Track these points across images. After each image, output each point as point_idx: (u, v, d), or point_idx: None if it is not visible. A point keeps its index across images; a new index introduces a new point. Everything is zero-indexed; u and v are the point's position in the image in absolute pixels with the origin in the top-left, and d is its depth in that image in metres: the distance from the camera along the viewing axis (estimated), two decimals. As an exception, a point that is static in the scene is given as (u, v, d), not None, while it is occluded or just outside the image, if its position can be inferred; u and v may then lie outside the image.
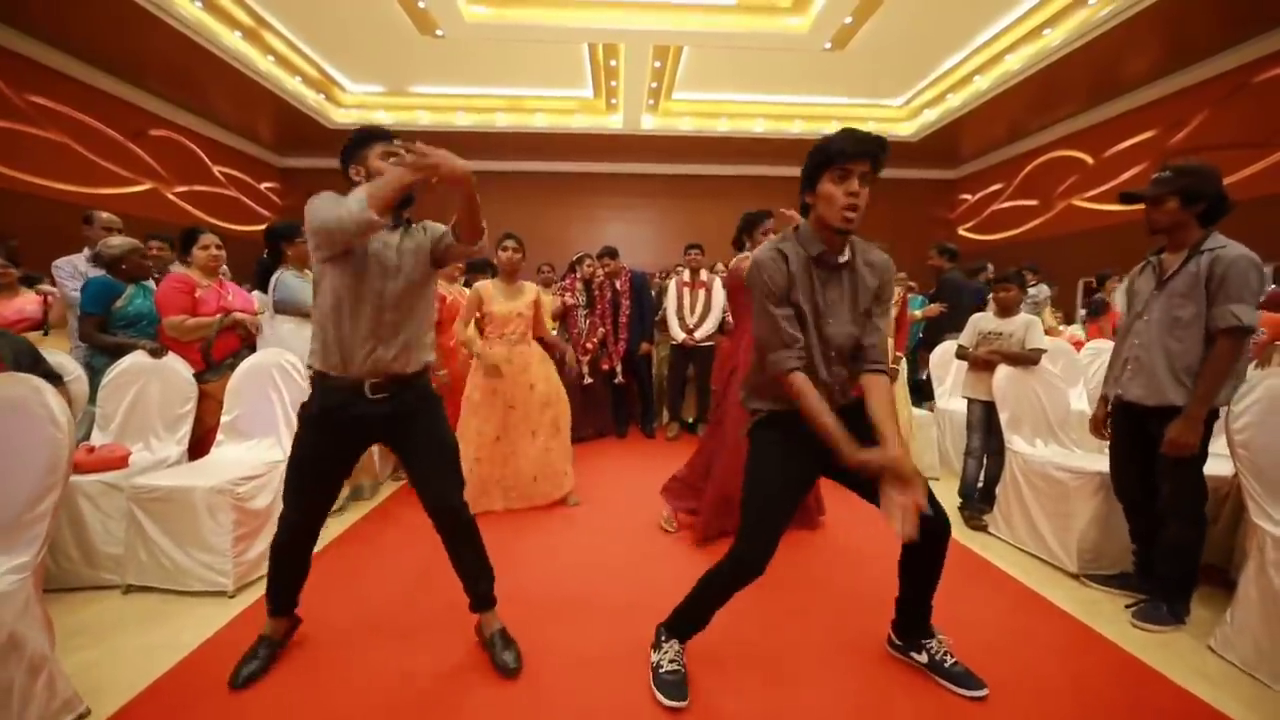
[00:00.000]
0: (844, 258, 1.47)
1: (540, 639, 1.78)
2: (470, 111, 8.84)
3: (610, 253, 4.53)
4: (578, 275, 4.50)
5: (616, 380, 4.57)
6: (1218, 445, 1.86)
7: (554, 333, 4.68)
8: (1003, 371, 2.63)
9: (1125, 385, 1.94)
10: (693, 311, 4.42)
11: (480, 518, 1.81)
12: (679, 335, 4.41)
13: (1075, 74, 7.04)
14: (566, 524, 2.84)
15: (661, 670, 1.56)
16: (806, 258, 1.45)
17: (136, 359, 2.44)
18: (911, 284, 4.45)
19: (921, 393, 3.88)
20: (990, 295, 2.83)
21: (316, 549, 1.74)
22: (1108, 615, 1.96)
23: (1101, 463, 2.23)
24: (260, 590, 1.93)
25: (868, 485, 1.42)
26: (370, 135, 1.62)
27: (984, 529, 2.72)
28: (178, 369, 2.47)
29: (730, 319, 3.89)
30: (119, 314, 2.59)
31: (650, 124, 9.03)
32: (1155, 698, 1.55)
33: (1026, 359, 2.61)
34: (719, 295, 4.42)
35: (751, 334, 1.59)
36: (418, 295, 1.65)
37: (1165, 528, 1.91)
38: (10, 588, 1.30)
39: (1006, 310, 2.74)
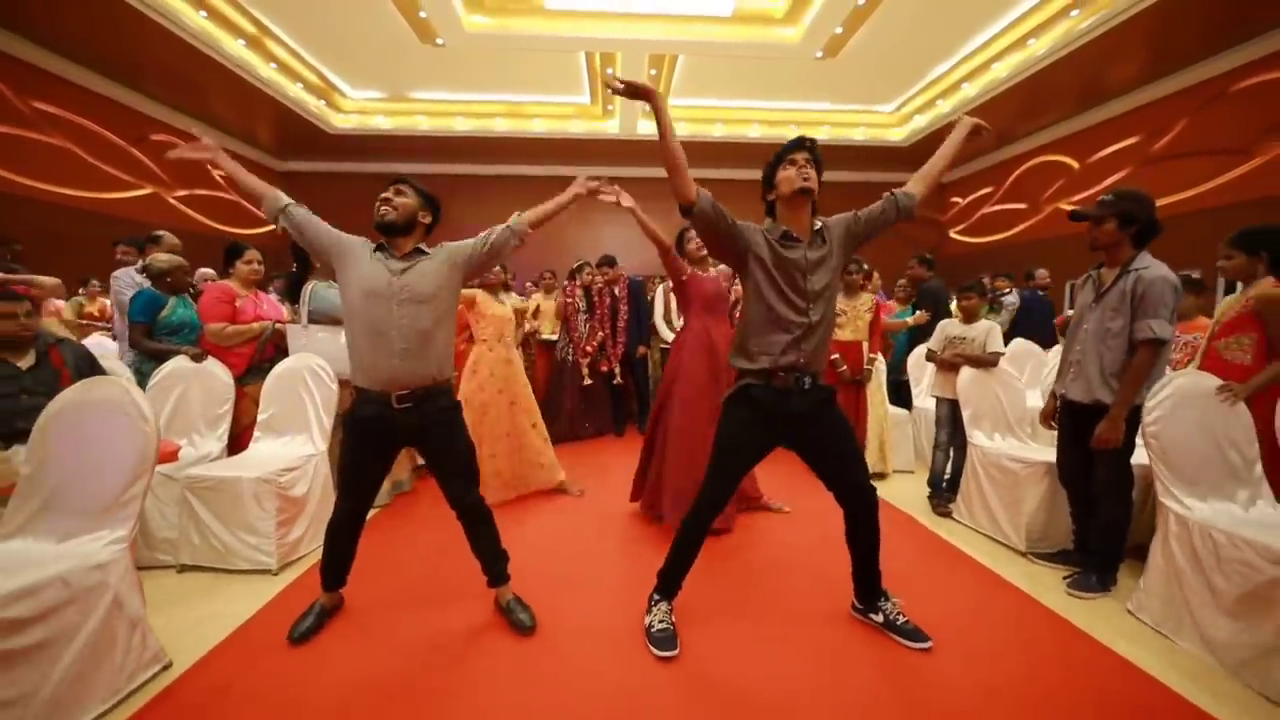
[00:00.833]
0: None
1: (551, 611, 1.99)
2: (469, 117, 8.91)
3: (609, 261, 4.72)
4: (578, 282, 4.61)
5: (615, 381, 4.69)
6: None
7: (554, 334, 4.78)
8: (966, 373, 2.89)
9: (1068, 386, 2.18)
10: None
11: (496, 507, 2.05)
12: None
13: (1061, 81, 7.20)
14: (571, 512, 3.07)
15: (654, 629, 1.82)
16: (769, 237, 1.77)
17: (179, 363, 2.65)
18: (887, 299, 4.61)
19: (906, 396, 4.06)
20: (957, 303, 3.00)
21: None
22: (1048, 586, 2.20)
23: (1049, 454, 2.47)
24: (300, 569, 2.32)
25: (821, 463, 1.78)
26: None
27: (949, 515, 2.96)
28: (217, 372, 2.67)
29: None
30: (164, 323, 2.81)
31: (647, 129, 9.13)
32: (1081, 653, 1.78)
33: (986, 361, 2.87)
34: None
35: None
36: (438, 316, 1.79)
37: (1099, 509, 2.16)
38: (114, 556, 1.54)
39: (970, 316, 3.01)
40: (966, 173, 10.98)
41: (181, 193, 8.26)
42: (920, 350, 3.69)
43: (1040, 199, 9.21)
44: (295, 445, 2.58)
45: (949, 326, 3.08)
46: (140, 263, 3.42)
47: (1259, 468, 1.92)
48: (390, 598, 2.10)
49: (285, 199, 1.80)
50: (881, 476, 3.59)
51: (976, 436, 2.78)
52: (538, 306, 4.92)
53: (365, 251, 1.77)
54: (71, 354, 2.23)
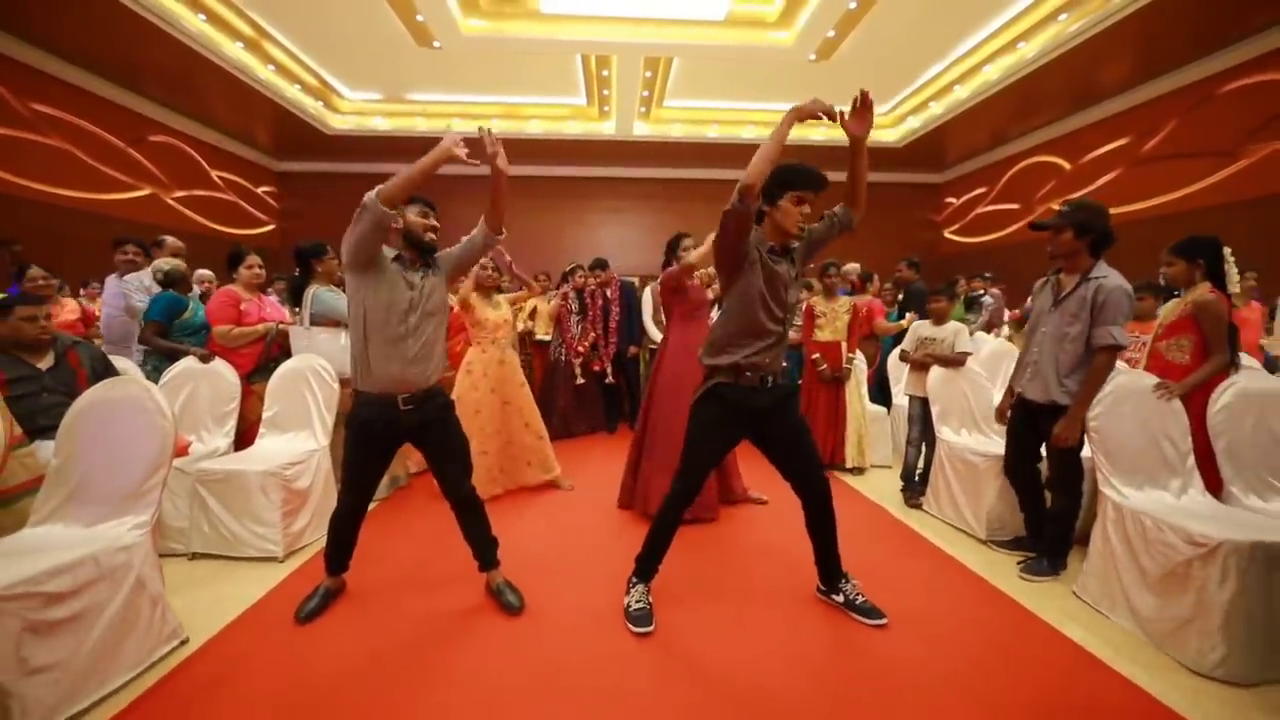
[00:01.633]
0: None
1: (539, 594, 2.13)
2: (466, 118, 9.01)
3: (601, 264, 4.88)
4: (571, 284, 4.76)
5: (607, 380, 4.85)
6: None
7: (548, 336, 4.91)
8: (936, 372, 3.05)
9: (1025, 385, 2.30)
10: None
11: (487, 501, 2.20)
12: (656, 337, 4.68)
13: (1051, 83, 7.31)
14: (562, 505, 3.22)
15: (631, 608, 1.97)
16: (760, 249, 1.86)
17: (188, 363, 2.79)
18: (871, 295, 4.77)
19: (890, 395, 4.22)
20: (929, 306, 3.21)
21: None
22: (1005, 573, 2.36)
23: (1011, 449, 2.64)
24: (304, 557, 2.47)
25: (780, 455, 1.94)
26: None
27: (919, 507, 3.12)
28: (224, 372, 2.81)
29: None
30: (185, 324, 2.97)
31: (642, 130, 9.24)
32: (1025, 630, 1.95)
33: (955, 361, 3.02)
34: None
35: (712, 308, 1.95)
36: (438, 324, 1.97)
37: (1051, 499, 2.31)
38: (137, 539, 1.69)
39: (940, 319, 3.17)
40: (961, 173, 11.10)
41: (179, 193, 8.36)
42: (898, 350, 3.85)
43: (1033, 199, 9.33)
44: (299, 441, 2.72)
45: (921, 328, 3.24)
46: (150, 267, 3.55)
47: (1191, 460, 2.07)
48: (389, 582, 2.24)
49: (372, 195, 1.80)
50: (860, 471, 3.74)
51: (944, 432, 2.94)
52: (534, 308, 5.05)
53: (391, 266, 1.86)
54: (87, 355, 2.37)
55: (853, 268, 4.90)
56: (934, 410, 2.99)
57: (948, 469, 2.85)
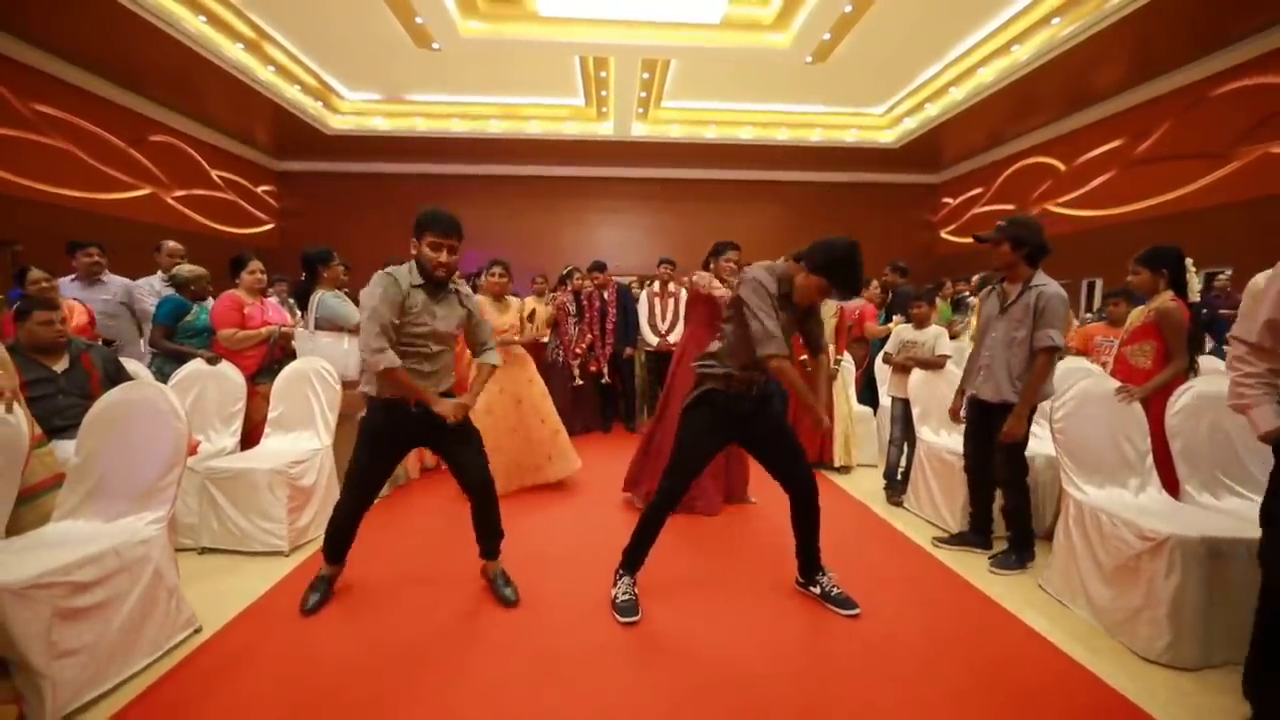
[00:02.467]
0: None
1: (536, 586, 2.25)
2: (465, 119, 9.09)
3: (599, 267, 5.00)
4: (568, 287, 4.86)
5: (604, 380, 4.96)
6: (1039, 429, 2.68)
7: (545, 338, 5.00)
8: (917, 374, 3.17)
9: (978, 387, 2.44)
10: (664, 319, 4.86)
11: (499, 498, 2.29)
12: (652, 341, 4.79)
13: (1046, 86, 7.39)
14: (558, 501, 3.34)
15: (618, 600, 2.07)
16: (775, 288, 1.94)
17: (196, 365, 2.89)
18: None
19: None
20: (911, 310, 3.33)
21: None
22: (975, 566, 2.47)
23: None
24: (309, 551, 2.57)
25: (766, 455, 2.07)
26: (427, 223, 2.01)
27: (900, 505, 3.23)
28: (230, 374, 2.91)
29: None
30: (188, 327, 3.07)
31: (640, 131, 9.32)
32: (988, 619, 2.07)
33: (934, 364, 3.14)
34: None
35: (723, 324, 2.07)
36: (451, 345, 2.12)
37: (1003, 495, 2.45)
38: (155, 533, 1.81)
39: (921, 323, 3.29)
40: (957, 174, 11.18)
41: (179, 193, 8.43)
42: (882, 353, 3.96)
43: (1029, 200, 9.41)
44: (303, 440, 2.83)
45: (903, 332, 3.35)
46: (160, 272, 3.72)
47: (1149, 460, 2.18)
48: (390, 576, 2.35)
49: (385, 361, 1.88)
50: (847, 470, 3.85)
51: (924, 432, 3.05)
52: (533, 311, 5.13)
53: (413, 294, 1.94)
54: (100, 358, 2.47)
55: None
56: (914, 411, 3.10)
57: (927, 468, 2.96)
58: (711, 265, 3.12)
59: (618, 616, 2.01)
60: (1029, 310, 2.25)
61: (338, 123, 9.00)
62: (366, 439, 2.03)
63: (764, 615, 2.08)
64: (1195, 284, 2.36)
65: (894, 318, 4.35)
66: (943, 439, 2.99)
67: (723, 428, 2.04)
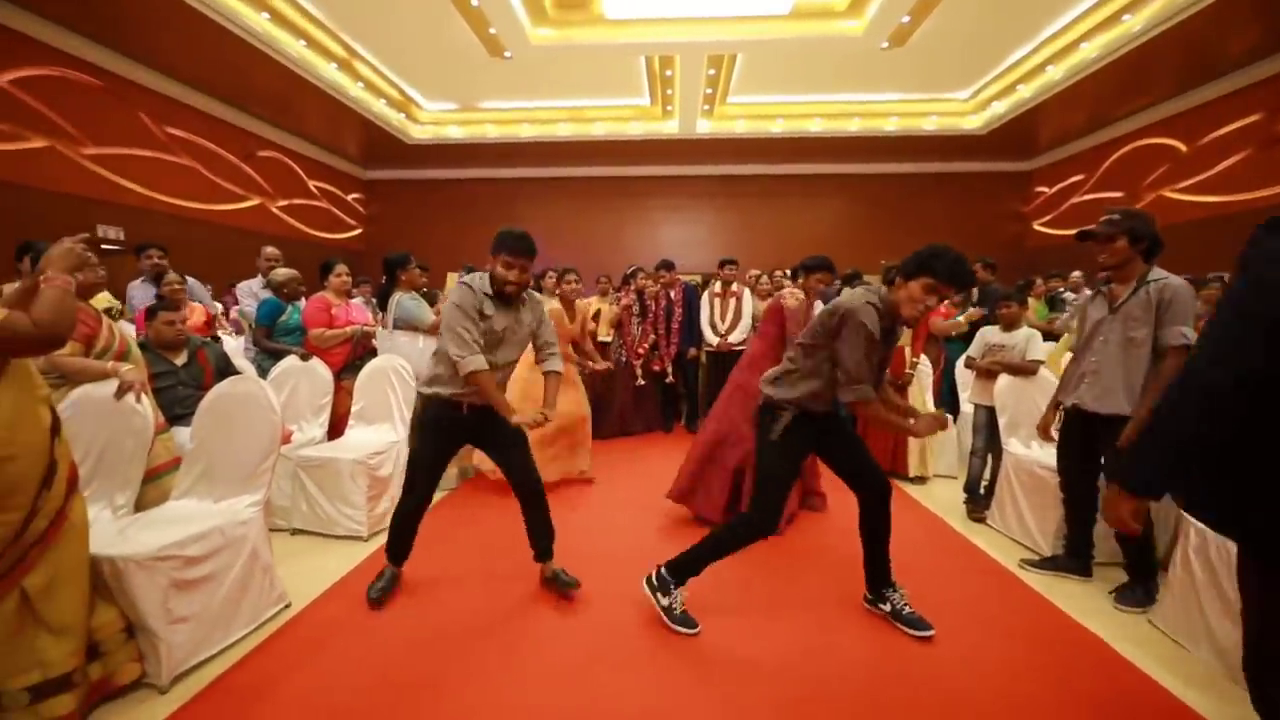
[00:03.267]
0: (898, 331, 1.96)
1: (590, 580, 2.25)
2: (534, 123, 9.37)
3: (667, 265, 4.97)
4: (632, 287, 4.87)
5: (668, 380, 4.94)
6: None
7: (609, 338, 5.04)
8: (1004, 380, 2.90)
9: (1082, 396, 2.19)
10: (724, 319, 4.75)
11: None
12: (713, 340, 4.71)
13: (1163, 58, 6.58)
14: (612, 498, 3.40)
15: (674, 610, 1.99)
16: (880, 319, 1.81)
17: (291, 361, 3.14)
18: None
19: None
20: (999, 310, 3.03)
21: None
22: (1067, 593, 2.26)
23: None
24: (385, 537, 2.59)
25: (837, 459, 1.99)
26: (503, 243, 2.04)
27: (983, 521, 3.00)
28: (319, 370, 3.16)
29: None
30: (284, 326, 3.37)
31: (705, 128, 9.21)
32: (1090, 657, 1.86)
33: (1025, 369, 2.84)
34: (748, 304, 4.79)
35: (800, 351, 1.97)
36: (515, 356, 2.18)
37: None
38: (253, 515, 1.97)
39: (1010, 324, 2.99)
40: (1053, 160, 10.22)
41: (282, 202, 9.27)
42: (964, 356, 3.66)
43: (1140, 186, 8.43)
44: (382, 432, 3.03)
45: (988, 334, 3.08)
46: (260, 276, 4.07)
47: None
48: (455, 565, 2.48)
49: (475, 364, 1.95)
50: (922, 480, 3.61)
51: (1012, 444, 2.80)
52: (598, 311, 5.19)
53: (486, 304, 2.02)
54: (214, 354, 2.75)
55: None
56: (1001, 420, 2.86)
57: (1014, 482, 2.72)
58: (800, 280, 3.01)
59: (679, 628, 1.96)
60: (1149, 306, 2.02)
61: (418, 132, 9.55)
62: (420, 435, 2.14)
63: (826, 632, 1.98)
64: None
65: (970, 309, 3.98)
66: (1034, 451, 2.74)
67: (807, 446, 2.00)
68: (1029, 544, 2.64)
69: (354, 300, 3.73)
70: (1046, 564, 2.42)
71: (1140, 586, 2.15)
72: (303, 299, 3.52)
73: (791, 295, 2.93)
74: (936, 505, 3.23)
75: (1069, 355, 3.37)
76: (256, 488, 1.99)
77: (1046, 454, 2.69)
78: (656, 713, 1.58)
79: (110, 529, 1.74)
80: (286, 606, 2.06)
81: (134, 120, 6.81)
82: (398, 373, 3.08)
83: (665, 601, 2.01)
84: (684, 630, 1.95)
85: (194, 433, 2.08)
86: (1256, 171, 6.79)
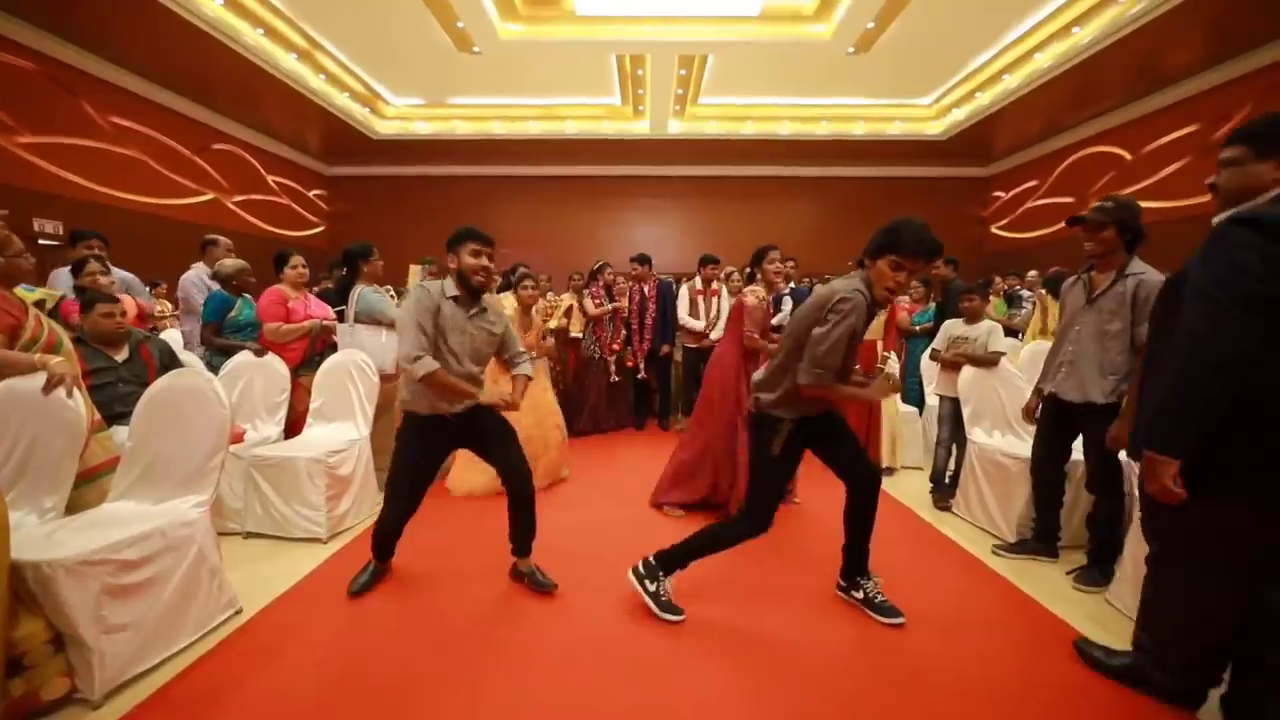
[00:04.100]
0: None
1: (566, 581, 2.22)
2: (504, 120, 9.24)
3: (643, 259, 4.90)
4: (600, 283, 4.81)
5: (640, 376, 4.91)
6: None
7: (581, 332, 4.99)
8: (967, 372, 2.98)
9: (1059, 384, 2.24)
10: (704, 317, 4.71)
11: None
12: (695, 325, 4.67)
13: (1110, 69, 6.92)
14: (586, 495, 3.35)
15: (661, 597, 2.00)
16: (866, 303, 1.78)
17: (244, 357, 3.00)
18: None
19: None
20: (962, 304, 3.11)
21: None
22: (1031, 576, 2.32)
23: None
24: (346, 539, 2.63)
25: (829, 451, 1.98)
26: (465, 235, 2.03)
27: (948, 509, 3.07)
28: (275, 366, 3.02)
29: None
30: (233, 322, 3.19)
31: (677, 128, 9.25)
32: (1052, 637, 1.90)
33: (988, 360, 2.93)
34: (726, 303, 4.73)
35: (779, 347, 1.94)
36: (488, 354, 2.17)
37: (1096, 503, 2.24)
38: (198, 515, 1.87)
39: (973, 318, 3.07)
40: (1010, 166, 10.63)
41: (239, 198, 8.90)
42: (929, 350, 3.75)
43: (1089, 192, 8.83)
44: (343, 430, 2.90)
45: (952, 327, 3.16)
46: (202, 265, 3.83)
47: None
48: (423, 565, 2.38)
49: (424, 367, 1.91)
50: (891, 472, 3.67)
51: (975, 433, 2.87)
52: (570, 306, 5.12)
53: (445, 305, 1.99)
54: (157, 348, 2.59)
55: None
56: (965, 411, 2.92)
57: (978, 471, 2.78)
58: (758, 274, 3.00)
59: (664, 614, 1.96)
60: (1124, 301, 2.07)
61: (384, 128, 9.30)
62: (407, 441, 2.07)
63: (802, 621, 1.99)
64: None
65: (940, 310, 4.09)
66: (996, 440, 2.81)
67: (798, 454, 1.98)
68: (992, 529, 2.71)
69: (311, 295, 3.56)
70: (1017, 548, 2.48)
71: (1098, 568, 2.22)
72: (249, 294, 3.35)
73: (752, 293, 2.95)
74: (904, 496, 3.28)
75: (1029, 348, 3.51)
76: (203, 487, 1.88)
77: (1009, 443, 2.78)
78: (637, 708, 1.54)
79: (36, 533, 1.60)
80: (238, 612, 1.95)
81: (75, 109, 6.43)
82: (359, 368, 2.97)
83: (652, 588, 2.01)
84: (669, 617, 1.95)
85: (133, 430, 1.94)
86: (1195, 179, 7.18)
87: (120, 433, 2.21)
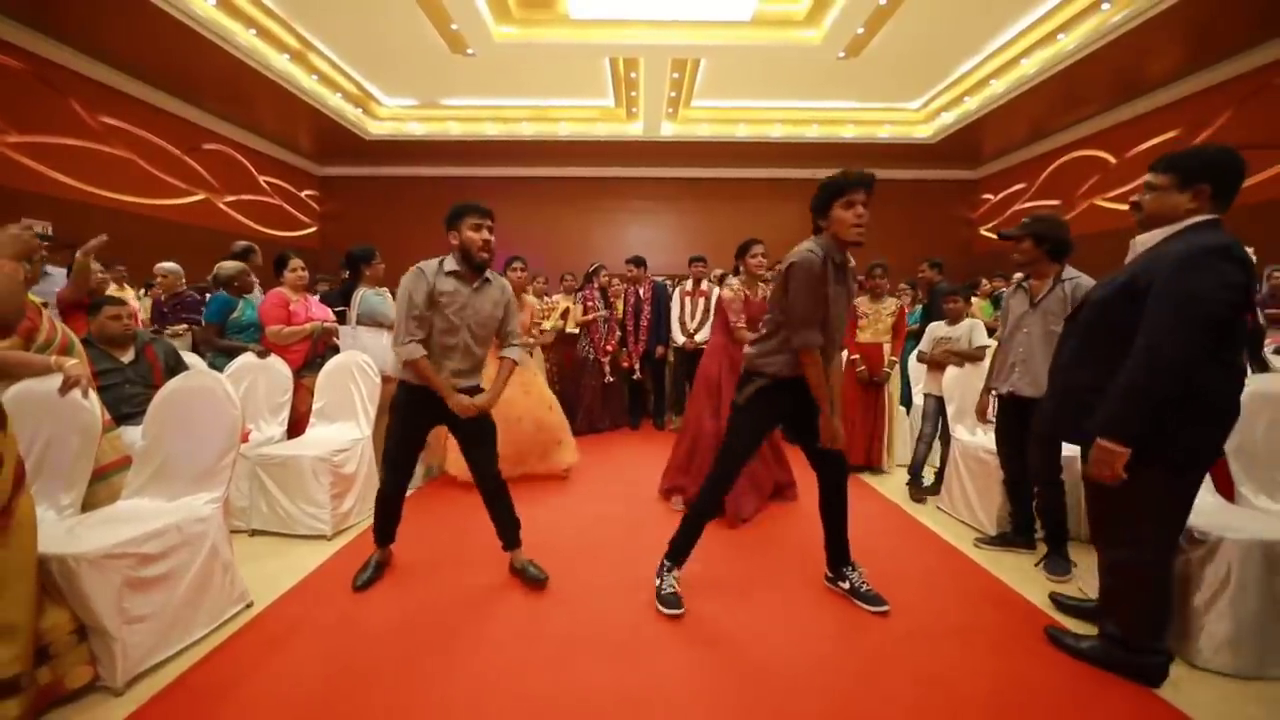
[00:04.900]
0: (850, 262, 1.99)
1: (563, 575, 2.29)
2: (498, 122, 9.28)
3: (638, 261, 4.99)
4: (595, 285, 4.89)
5: (635, 377, 4.99)
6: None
7: (575, 329, 5.05)
8: (951, 372, 3.11)
9: (1015, 383, 2.41)
10: (693, 317, 4.83)
11: (515, 481, 2.43)
12: (680, 339, 4.79)
13: (1094, 75, 7.08)
14: (582, 492, 3.43)
15: (663, 591, 2.07)
16: (830, 260, 1.88)
17: (247, 359, 3.04)
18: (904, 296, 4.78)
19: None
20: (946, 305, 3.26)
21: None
22: (1009, 567, 2.44)
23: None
24: (350, 536, 2.70)
25: (806, 438, 2.05)
26: (464, 210, 2.07)
27: (923, 501, 3.22)
28: (278, 367, 3.07)
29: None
30: (235, 323, 3.23)
31: (669, 131, 9.33)
32: (1029, 623, 2.00)
33: (973, 356, 3.07)
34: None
35: (766, 312, 2.06)
36: (483, 339, 2.17)
37: (1040, 493, 2.40)
38: (212, 512, 1.92)
39: (956, 318, 3.21)
40: (998, 168, 10.81)
41: (230, 198, 8.86)
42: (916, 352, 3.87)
43: (1075, 195, 9.02)
44: (346, 430, 2.96)
45: (937, 328, 3.29)
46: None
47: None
48: (424, 560, 2.45)
49: (409, 353, 2.00)
50: (883, 471, 3.78)
51: (959, 431, 2.98)
52: (566, 309, 5.19)
53: (443, 281, 2.02)
54: (162, 350, 2.64)
55: None
56: (950, 409, 3.04)
57: (961, 467, 2.90)
58: (741, 269, 3.12)
59: (663, 608, 2.03)
60: (1065, 302, 2.26)
61: (376, 128, 9.30)
62: (396, 413, 2.15)
63: (793, 610, 2.08)
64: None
65: (927, 313, 4.21)
66: (978, 438, 2.92)
67: (769, 417, 2.09)
68: (974, 524, 2.82)
69: (315, 298, 3.61)
70: (997, 540, 2.60)
71: (1059, 555, 2.35)
72: (254, 293, 3.39)
73: (727, 286, 3.12)
74: (893, 494, 3.39)
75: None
76: (216, 484, 1.94)
77: (990, 440, 2.88)
78: (633, 699, 1.62)
79: (58, 528, 1.66)
80: (249, 605, 2.01)
81: (64, 108, 6.40)
82: (361, 369, 3.02)
83: (658, 582, 2.10)
84: (666, 611, 2.01)
85: (146, 430, 2.00)
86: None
87: (129, 433, 2.27)
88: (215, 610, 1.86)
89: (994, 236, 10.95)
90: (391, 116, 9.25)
